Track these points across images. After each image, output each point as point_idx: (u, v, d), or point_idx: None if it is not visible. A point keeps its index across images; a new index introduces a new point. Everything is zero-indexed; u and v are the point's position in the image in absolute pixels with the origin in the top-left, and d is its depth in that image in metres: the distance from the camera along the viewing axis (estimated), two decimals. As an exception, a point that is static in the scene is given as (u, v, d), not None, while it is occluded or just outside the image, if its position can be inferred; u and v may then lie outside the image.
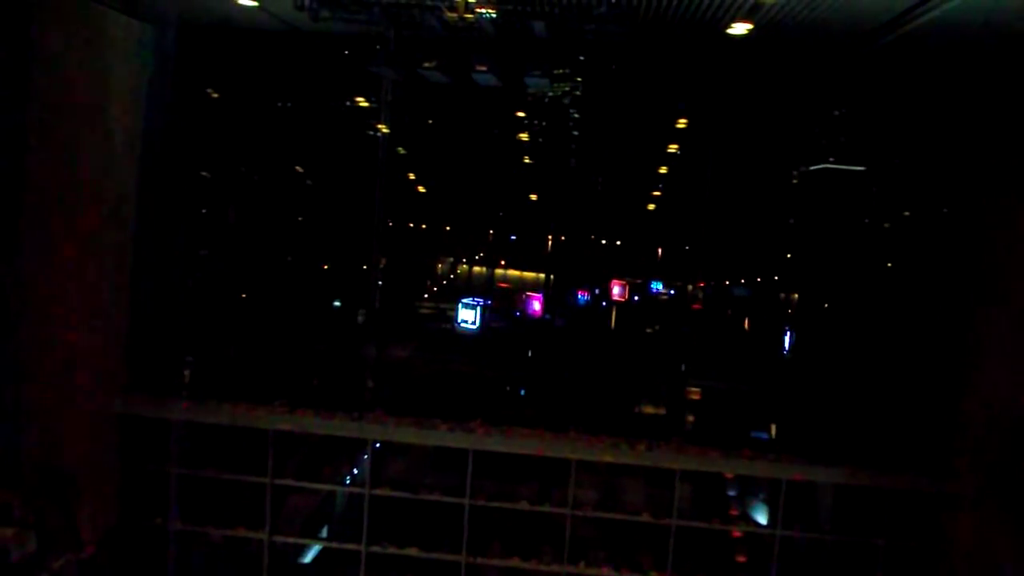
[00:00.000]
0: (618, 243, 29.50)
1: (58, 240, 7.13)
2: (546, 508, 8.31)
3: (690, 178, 19.77)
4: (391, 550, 8.22)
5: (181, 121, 8.87)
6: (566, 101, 12.64)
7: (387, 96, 13.11)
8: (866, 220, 16.11)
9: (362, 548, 8.26)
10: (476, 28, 7.65)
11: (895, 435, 8.96)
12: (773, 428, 13.29)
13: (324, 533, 9.01)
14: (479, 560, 8.26)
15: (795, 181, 15.54)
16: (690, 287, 26.76)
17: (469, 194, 25.21)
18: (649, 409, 14.91)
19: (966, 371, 7.77)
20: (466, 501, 8.09)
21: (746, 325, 23.96)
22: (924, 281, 10.44)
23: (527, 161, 20.41)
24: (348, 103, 14.80)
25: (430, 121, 16.78)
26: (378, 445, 8.54)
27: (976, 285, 7.79)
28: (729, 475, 9.19)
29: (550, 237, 29.28)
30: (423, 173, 22.73)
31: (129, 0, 7.76)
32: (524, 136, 17.29)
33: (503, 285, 30.68)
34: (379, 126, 13.94)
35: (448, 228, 30.04)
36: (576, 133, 16.84)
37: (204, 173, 14.13)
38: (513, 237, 30.46)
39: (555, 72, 8.52)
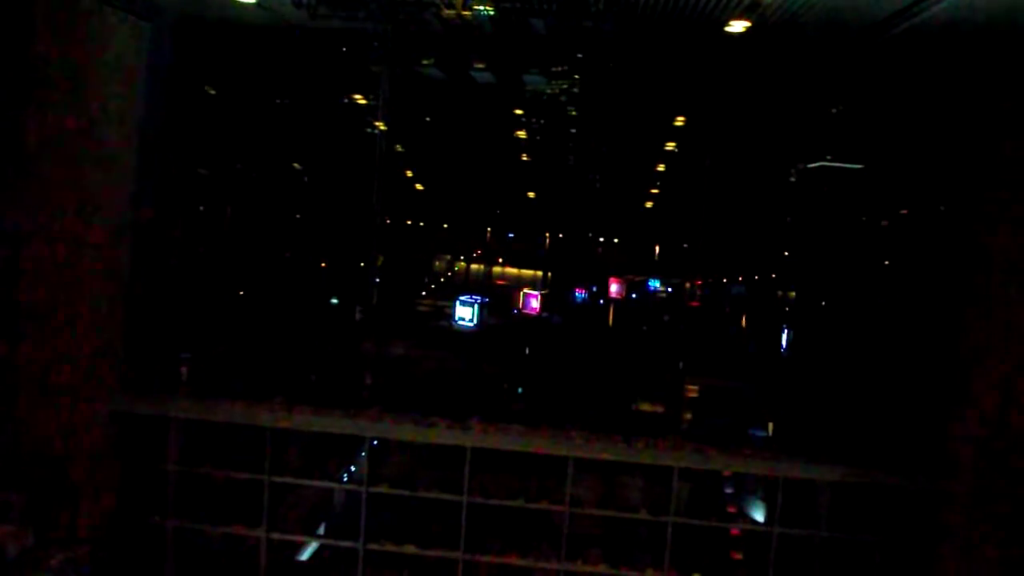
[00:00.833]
0: (616, 241, 29.56)
1: (55, 237, 7.13)
2: (543, 505, 8.31)
3: (688, 176, 19.79)
4: (388, 547, 8.23)
5: (179, 118, 8.87)
6: (564, 99, 12.65)
7: (385, 93, 13.09)
8: (863, 218, 16.15)
9: (359, 546, 8.27)
10: (474, 25, 7.66)
11: (890, 432, 8.99)
12: (770, 426, 13.33)
13: (322, 531, 9.03)
14: (476, 557, 8.26)
15: (793, 179, 15.55)
16: (688, 285, 26.84)
17: (467, 192, 25.21)
18: (647, 407, 14.94)
19: (961, 368, 7.78)
20: (463, 499, 8.09)
21: (743, 323, 24.02)
22: (921, 279, 10.47)
23: (525, 159, 20.39)
24: (346, 100, 14.77)
25: (427, 119, 16.73)
26: (375, 443, 8.54)
27: (972, 282, 7.80)
28: (727, 473, 9.21)
29: (548, 235, 29.34)
30: (421, 171, 22.72)
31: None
32: (522, 134, 17.26)
33: (501, 283, 30.72)
34: (377, 123, 13.93)
35: (446, 226, 30.08)
36: (574, 131, 16.81)
37: (202, 170, 14.12)
38: (511, 235, 30.51)
39: (553, 69, 8.53)
